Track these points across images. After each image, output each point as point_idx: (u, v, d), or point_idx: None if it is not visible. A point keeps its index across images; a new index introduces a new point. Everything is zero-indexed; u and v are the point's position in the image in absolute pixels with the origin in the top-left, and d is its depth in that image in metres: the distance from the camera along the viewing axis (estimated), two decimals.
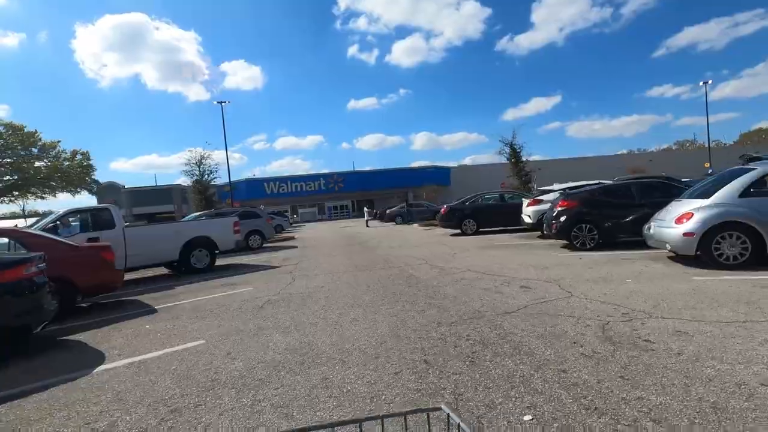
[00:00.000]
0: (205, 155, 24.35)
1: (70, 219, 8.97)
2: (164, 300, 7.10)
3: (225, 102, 37.25)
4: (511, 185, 23.04)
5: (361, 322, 4.69)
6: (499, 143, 23.91)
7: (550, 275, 6.50)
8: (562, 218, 9.01)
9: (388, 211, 29.60)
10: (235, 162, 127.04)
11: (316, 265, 10.16)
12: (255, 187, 58.05)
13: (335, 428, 0.72)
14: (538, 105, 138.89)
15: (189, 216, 15.98)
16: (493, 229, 15.48)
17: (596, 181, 11.39)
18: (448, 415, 0.72)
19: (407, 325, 4.41)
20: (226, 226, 10.99)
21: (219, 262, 12.68)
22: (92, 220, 8.98)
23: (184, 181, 24.94)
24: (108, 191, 56.15)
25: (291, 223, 41.18)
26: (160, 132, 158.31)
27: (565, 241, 10.16)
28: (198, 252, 10.32)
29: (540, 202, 11.96)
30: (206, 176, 24.43)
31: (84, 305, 7.24)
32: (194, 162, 23.96)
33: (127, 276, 10.58)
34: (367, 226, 28.27)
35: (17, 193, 39.53)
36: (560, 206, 9.18)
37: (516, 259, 8.43)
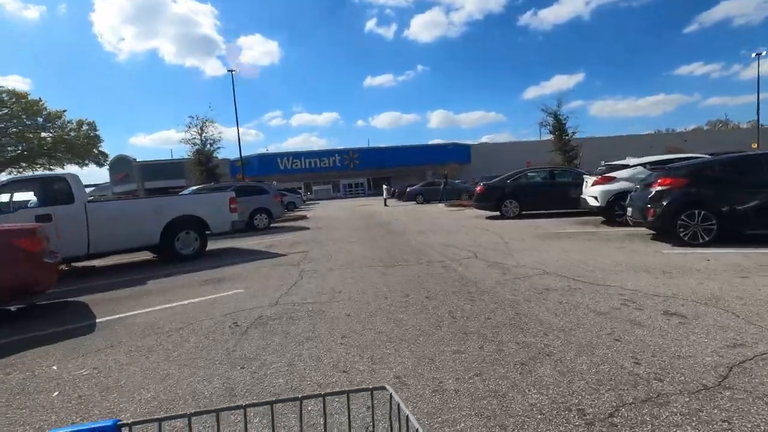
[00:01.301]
0: (207, 122, 22.09)
1: (14, 190, 6.96)
2: (118, 305, 5.08)
3: (234, 70, 35.02)
4: (552, 162, 20.34)
5: (415, 385, 2.54)
6: (533, 116, 21.21)
7: (697, 291, 4.22)
8: (665, 201, 6.63)
9: (408, 189, 27.26)
10: (252, 138, 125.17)
11: (330, 254, 8.03)
12: (268, 162, 56.14)
13: (273, 405, 0.70)
14: (560, 83, 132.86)
15: (186, 191, 14.00)
16: (538, 212, 13.11)
17: (692, 155, 8.91)
18: (391, 395, 0.72)
19: (514, 411, 2.24)
20: (219, 203, 8.88)
21: (215, 245, 10.68)
22: (43, 192, 6.96)
23: (188, 151, 22.96)
24: (119, 164, 55.08)
25: (304, 201, 39.24)
26: (177, 107, 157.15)
27: (651, 232, 7.81)
28: (184, 235, 8.28)
29: (611, 180, 9.54)
30: (209, 146, 22.19)
31: (11, 309, 5.28)
32: (195, 129, 21.75)
33: (98, 262, 8.70)
34: (386, 204, 26.07)
35: (24, 164, 38.33)
36: (661, 185, 6.79)
37: (604, 257, 6.14)
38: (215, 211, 8.71)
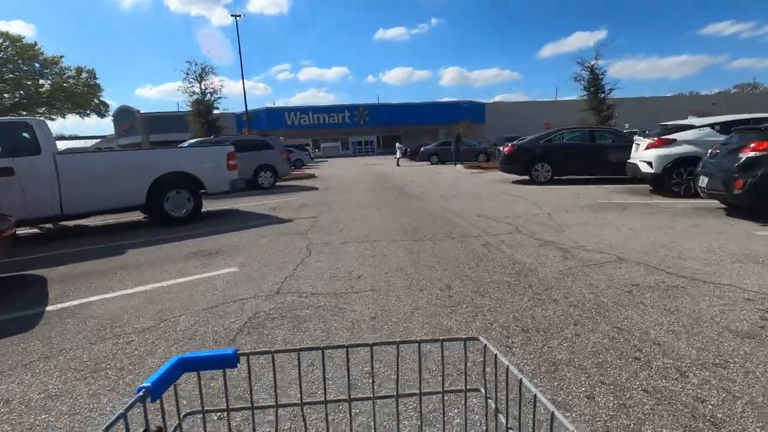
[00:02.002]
0: (207, 69, 20.31)
1: None
2: (81, 284, 4.05)
3: (239, 15, 32.65)
4: (584, 122, 18.59)
5: None
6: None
7: None
8: (761, 171, 5.34)
9: (422, 149, 25.73)
10: (259, 92, 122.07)
11: (342, 222, 6.92)
12: (275, 117, 54.26)
13: (373, 348, 0.72)
14: (579, 40, 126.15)
15: (184, 145, 12.78)
16: (572, 177, 11.78)
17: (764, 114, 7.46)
18: (485, 345, 0.70)
19: None
20: (216, 159, 7.67)
21: (213, 205, 9.62)
22: (2, 141, 5.80)
23: (173, 99, 21.14)
24: (123, 116, 53.51)
25: (312, 158, 37.89)
26: (182, 58, 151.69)
27: (722, 206, 6.55)
28: (175, 194, 7.16)
29: (671, 143, 8.15)
30: (209, 96, 20.53)
31: None
32: (193, 77, 20.04)
33: (92, 221, 7.68)
34: (398, 165, 24.70)
35: (24, 113, 37.02)
36: (756, 150, 5.46)
37: (684, 239, 4.95)
38: (211, 167, 7.53)
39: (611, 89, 18.40)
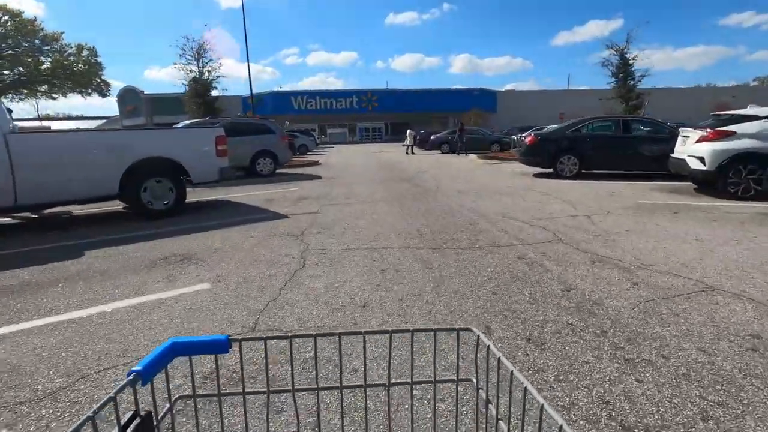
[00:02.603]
0: (205, 45, 19.09)
1: None
2: (0, 305, 3.13)
3: None
4: (611, 112, 17.25)
5: None
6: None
7: None
8: None
9: (432, 137, 24.55)
10: (267, 76, 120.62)
11: (346, 220, 5.94)
12: (281, 101, 53.09)
13: (365, 336, 0.74)
14: (594, 29, 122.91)
15: (179, 126, 11.78)
16: (601, 172, 10.66)
17: None
18: (478, 336, 0.72)
19: None
20: (202, 143, 6.65)
21: (203, 194, 8.68)
22: None
23: (177, 79, 19.73)
24: (128, 96, 52.58)
25: (318, 144, 36.80)
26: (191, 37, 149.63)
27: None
28: (155, 184, 6.20)
29: (728, 135, 7.02)
30: (207, 74, 19.34)
31: None
32: (190, 54, 18.84)
33: (78, 209, 6.74)
34: (410, 153, 23.64)
35: (25, 91, 36.18)
36: None
37: None
38: (196, 153, 6.53)
39: (642, 76, 17.03)
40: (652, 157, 9.38)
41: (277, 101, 52.91)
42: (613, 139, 10.10)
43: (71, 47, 34.78)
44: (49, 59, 33.66)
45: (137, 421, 0.55)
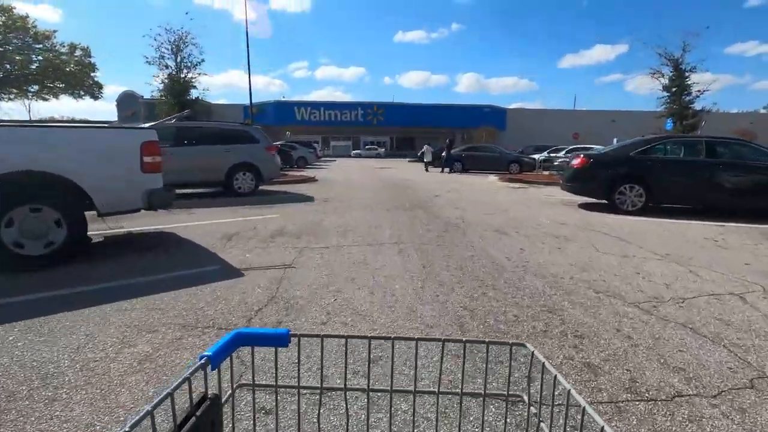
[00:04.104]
0: (185, 37, 16.71)
1: None
2: None
3: None
4: (659, 131, 14.88)
5: None
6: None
7: None
8: None
9: (444, 154, 22.28)
10: (275, 88, 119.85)
11: (336, 287, 3.56)
12: (284, 110, 51.31)
13: (419, 342, 0.74)
14: (600, 53, 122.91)
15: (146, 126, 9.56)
16: (672, 207, 8.28)
17: None
18: (533, 352, 0.70)
19: None
20: (116, 153, 4.28)
21: (138, 222, 6.31)
22: None
23: (156, 76, 17.32)
24: (127, 101, 51.03)
25: (319, 157, 34.65)
26: (203, 50, 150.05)
27: None
28: (29, 215, 3.85)
29: None
30: (185, 72, 16.93)
31: None
32: (168, 46, 16.46)
33: None
34: (427, 170, 21.64)
35: (15, 90, 34.32)
36: None
37: None
38: (105, 168, 4.16)
39: (701, 91, 14.52)
40: (754, 192, 7.04)
41: (280, 111, 51.10)
42: (696, 166, 7.74)
43: (64, 46, 32.99)
44: (40, 58, 31.81)
45: (207, 403, 0.60)
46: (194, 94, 17.02)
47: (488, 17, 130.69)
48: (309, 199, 9.55)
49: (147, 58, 16.71)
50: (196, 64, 16.80)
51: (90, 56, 33.85)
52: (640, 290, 3.60)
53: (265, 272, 3.92)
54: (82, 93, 35.50)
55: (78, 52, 33.45)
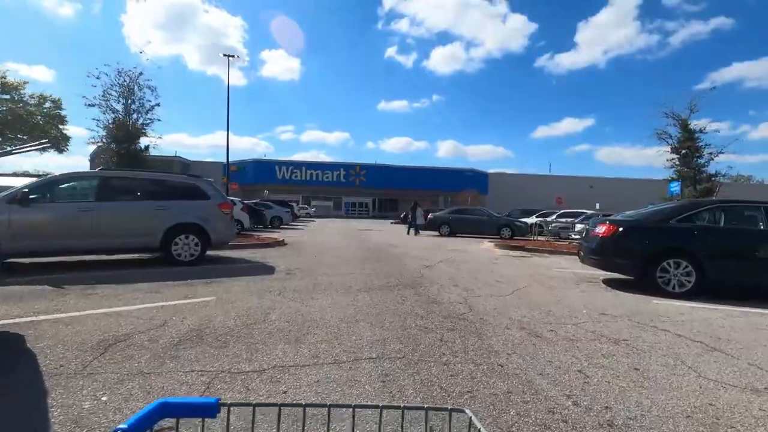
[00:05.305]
0: (135, 77, 15.00)
1: None
2: None
3: (234, 56, 29.46)
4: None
5: None
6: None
7: None
8: None
9: (431, 216, 20.76)
10: (261, 149, 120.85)
11: None
12: (264, 169, 50.24)
13: (355, 410, 0.71)
14: (570, 125, 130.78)
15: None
16: (719, 287, 6.58)
17: None
18: (470, 419, 0.70)
19: None
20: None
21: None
22: None
23: (91, 121, 15.45)
24: (101, 157, 49.10)
25: (297, 216, 32.81)
26: (193, 113, 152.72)
27: None
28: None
29: None
30: (136, 116, 15.12)
31: None
32: (119, 86, 14.68)
33: None
34: (416, 234, 19.82)
35: None
36: None
37: None
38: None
39: (714, 153, 13.38)
40: None
41: (260, 170, 49.99)
42: (760, 237, 6.15)
43: (33, 98, 31.59)
44: (3, 108, 30.17)
45: None
46: (144, 143, 15.22)
47: (464, 91, 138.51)
48: (268, 270, 7.51)
49: (87, 99, 14.88)
50: (149, 109, 15.16)
51: (60, 108, 32.45)
52: None
53: None
54: (49, 145, 33.61)
55: (48, 104, 32.05)
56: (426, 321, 4.42)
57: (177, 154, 49.58)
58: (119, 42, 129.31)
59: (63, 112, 32.63)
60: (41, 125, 31.44)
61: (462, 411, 0.72)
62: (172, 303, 4.86)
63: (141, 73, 14.90)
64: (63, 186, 6.95)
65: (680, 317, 5.05)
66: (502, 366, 3.20)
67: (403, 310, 4.88)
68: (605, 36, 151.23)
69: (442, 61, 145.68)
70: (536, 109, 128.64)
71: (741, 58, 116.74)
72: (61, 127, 32.49)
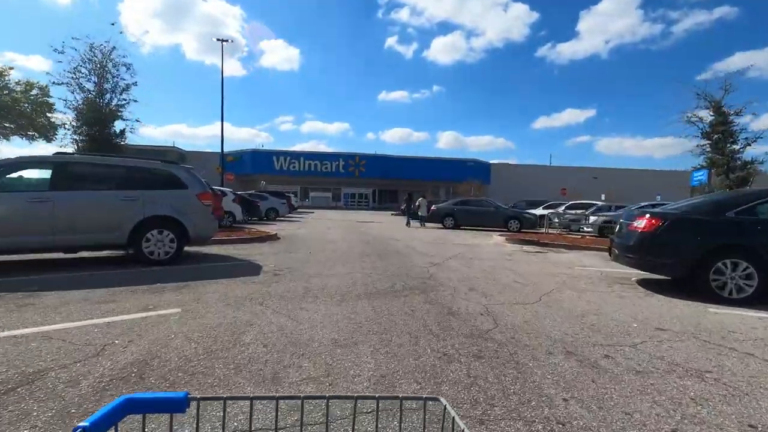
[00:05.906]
0: (107, 53, 13.72)
1: None
2: None
3: (227, 40, 28.26)
4: (700, 191, 12.43)
5: None
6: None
7: None
8: None
9: (434, 207, 19.72)
10: (261, 140, 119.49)
11: None
12: (262, 159, 49.04)
13: (329, 401, 0.69)
14: (571, 116, 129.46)
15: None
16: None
17: None
18: (445, 406, 0.70)
19: None
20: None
21: None
22: None
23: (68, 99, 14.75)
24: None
25: (295, 208, 31.81)
26: (192, 103, 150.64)
27: None
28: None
29: None
30: (109, 97, 13.86)
31: None
32: (89, 63, 13.40)
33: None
34: (413, 225, 19.03)
35: None
36: None
37: None
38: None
39: (750, 139, 12.20)
40: None
41: (257, 160, 48.80)
42: None
43: (19, 84, 30.30)
44: None
45: None
46: (120, 125, 13.90)
47: (465, 81, 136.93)
48: (253, 270, 6.51)
49: (52, 76, 13.56)
50: (124, 89, 13.92)
51: (48, 95, 31.12)
52: None
53: None
54: (33, 133, 32.42)
55: (35, 91, 30.76)
56: (444, 343, 3.44)
57: (174, 144, 48.41)
58: (116, 31, 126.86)
59: (51, 100, 31.26)
60: (28, 113, 30.19)
61: (437, 399, 0.73)
62: (125, 318, 3.87)
63: (114, 48, 13.80)
64: (12, 174, 5.93)
65: (754, 333, 4.09)
66: (563, 425, 2.23)
67: (413, 326, 3.90)
68: (607, 25, 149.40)
69: (442, 50, 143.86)
70: (537, 99, 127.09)
71: (744, 48, 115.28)
72: (49, 115, 31.12)
